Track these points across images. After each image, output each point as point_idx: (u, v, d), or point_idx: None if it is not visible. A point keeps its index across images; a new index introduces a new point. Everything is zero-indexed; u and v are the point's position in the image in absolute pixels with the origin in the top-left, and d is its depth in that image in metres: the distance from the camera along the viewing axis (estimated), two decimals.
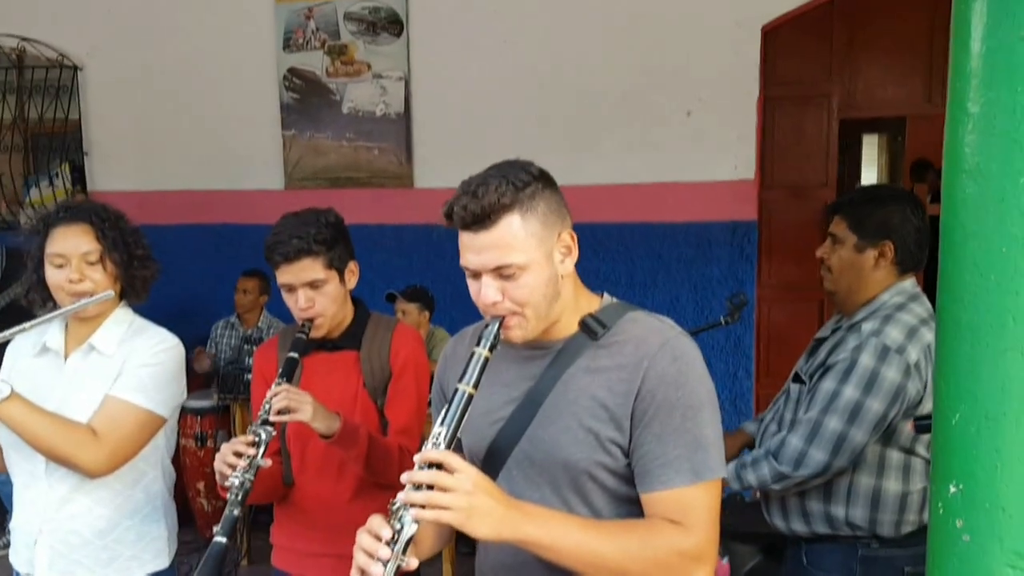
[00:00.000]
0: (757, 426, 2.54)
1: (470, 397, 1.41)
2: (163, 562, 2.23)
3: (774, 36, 4.77)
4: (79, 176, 5.67)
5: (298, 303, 2.16)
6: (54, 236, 2.10)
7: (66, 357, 2.16)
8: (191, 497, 4.69)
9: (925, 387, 2.13)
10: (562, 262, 1.51)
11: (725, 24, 4.55)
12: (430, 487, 1.32)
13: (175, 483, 2.33)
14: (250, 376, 2.63)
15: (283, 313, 4.52)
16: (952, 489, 1.20)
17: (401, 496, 1.35)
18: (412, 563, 1.35)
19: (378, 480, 2.17)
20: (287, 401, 1.99)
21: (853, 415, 2.10)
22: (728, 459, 2.36)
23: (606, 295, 1.63)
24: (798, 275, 5.09)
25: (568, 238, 1.52)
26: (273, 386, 2.05)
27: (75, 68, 5.53)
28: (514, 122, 4.82)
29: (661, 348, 1.48)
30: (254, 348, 4.28)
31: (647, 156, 4.71)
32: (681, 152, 4.67)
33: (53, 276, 2.09)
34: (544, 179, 1.50)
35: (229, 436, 4.57)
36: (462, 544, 4.16)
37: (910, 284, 2.27)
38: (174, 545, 2.28)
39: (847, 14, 5.18)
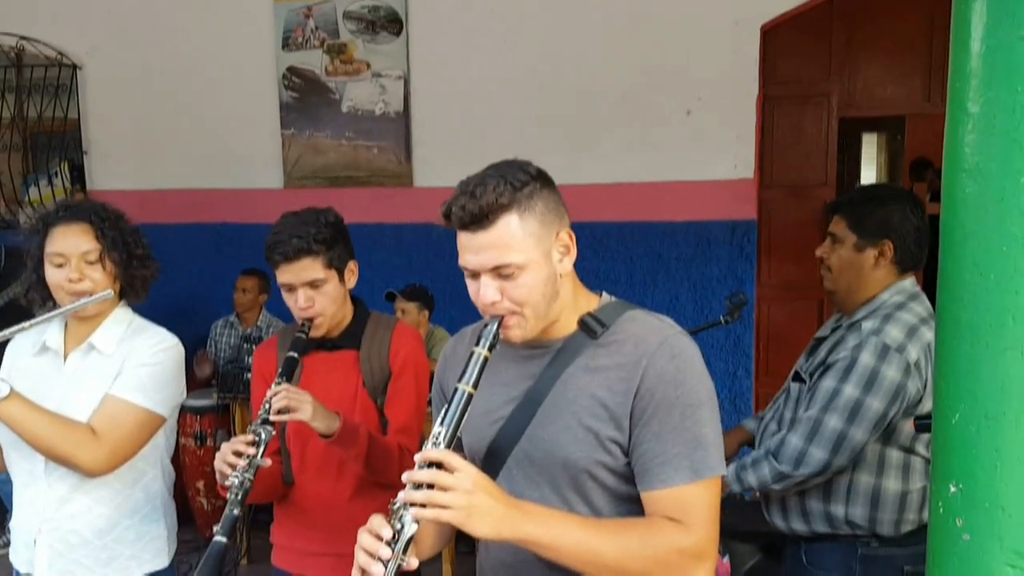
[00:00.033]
0: (757, 424, 2.54)
1: (470, 396, 1.41)
2: (163, 561, 2.23)
3: (773, 35, 4.77)
4: (78, 175, 5.67)
5: (298, 302, 2.16)
6: (54, 235, 2.10)
7: (65, 356, 2.16)
8: (191, 496, 4.69)
9: (925, 386, 2.13)
10: (560, 261, 1.51)
11: (724, 23, 4.55)
12: (430, 486, 1.32)
13: (175, 482, 2.33)
14: (250, 375, 2.63)
15: (282, 312, 4.52)
16: (952, 488, 1.20)
17: (401, 496, 1.35)
18: (413, 563, 1.36)
19: (378, 479, 2.17)
20: (287, 400, 1.99)
21: (853, 414, 2.11)
22: (728, 456, 2.37)
23: (605, 294, 1.63)
24: (797, 274, 5.10)
25: (566, 237, 1.52)
26: (273, 385, 2.05)
27: (74, 67, 5.53)
28: (513, 121, 4.82)
29: (660, 346, 1.48)
30: (253, 347, 4.27)
31: (646, 155, 4.72)
32: (680, 151, 4.67)
33: (52, 275, 2.09)
34: (542, 179, 1.50)
35: (229, 435, 4.57)
36: (462, 543, 4.16)
37: (910, 283, 2.27)
38: (173, 545, 2.28)
39: (846, 13, 5.19)
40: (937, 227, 1.34)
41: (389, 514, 1.36)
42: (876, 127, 8.88)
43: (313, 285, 2.15)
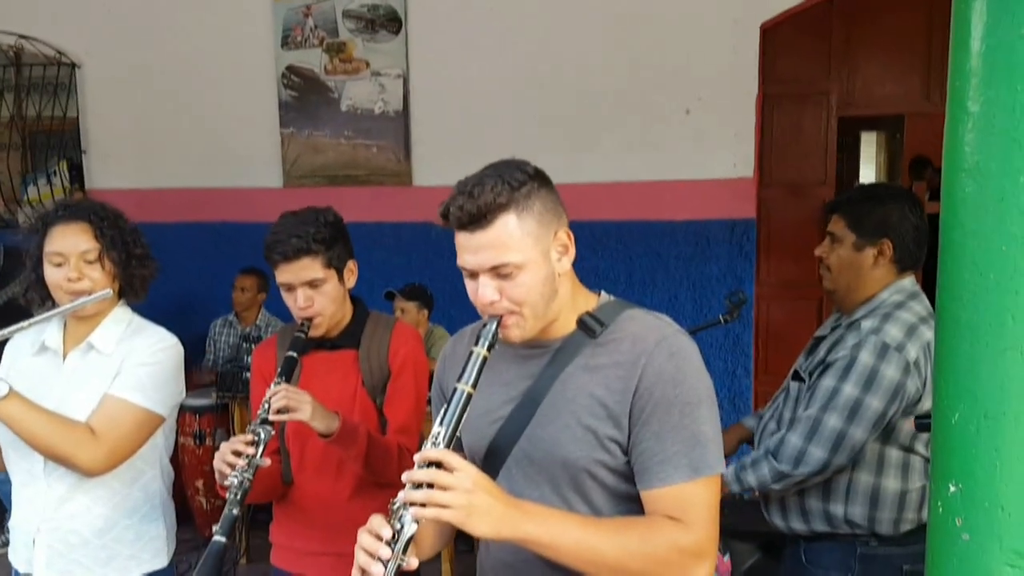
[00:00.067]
0: (756, 421, 2.54)
1: (469, 396, 1.41)
2: (162, 561, 2.23)
3: (773, 34, 4.78)
4: (77, 174, 5.67)
5: (297, 302, 2.15)
6: (53, 235, 2.09)
7: (65, 356, 2.15)
8: (190, 495, 4.69)
9: (924, 385, 2.13)
10: (559, 260, 1.51)
11: (724, 22, 4.56)
12: (430, 486, 1.32)
13: (174, 482, 2.33)
14: (248, 374, 2.63)
15: (281, 311, 4.52)
16: (951, 488, 1.20)
17: (401, 495, 1.35)
18: (413, 562, 1.36)
19: (377, 479, 2.17)
20: (286, 400, 1.99)
21: (852, 413, 2.11)
22: (727, 453, 2.37)
23: (604, 293, 1.63)
24: (797, 273, 5.10)
25: (564, 236, 1.52)
26: (272, 385, 2.05)
27: (73, 66, 5.53)
28: (513, 120, 4.82)
29: (658, 345, 1.48)
30: (252, 346, 4.27)
31: (646, 154, 4.72)
32: (680, 150, 4.67)
33: (51, 275, 2.08)
34: (540, 178, 1.50)
35: (228, 434, 4.57)
36: (461, 542, 4.16)
37: (909, 282, 2.27)
38: (172, 544, 2.28)
39: (845, 12, 5.18)
40: (936, 226, 1.34)
41: (389, 514, 1.37)
42: (875, 126, 8.88)
43: (312, 285, 2.14)
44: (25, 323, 2.00)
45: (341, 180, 5.23)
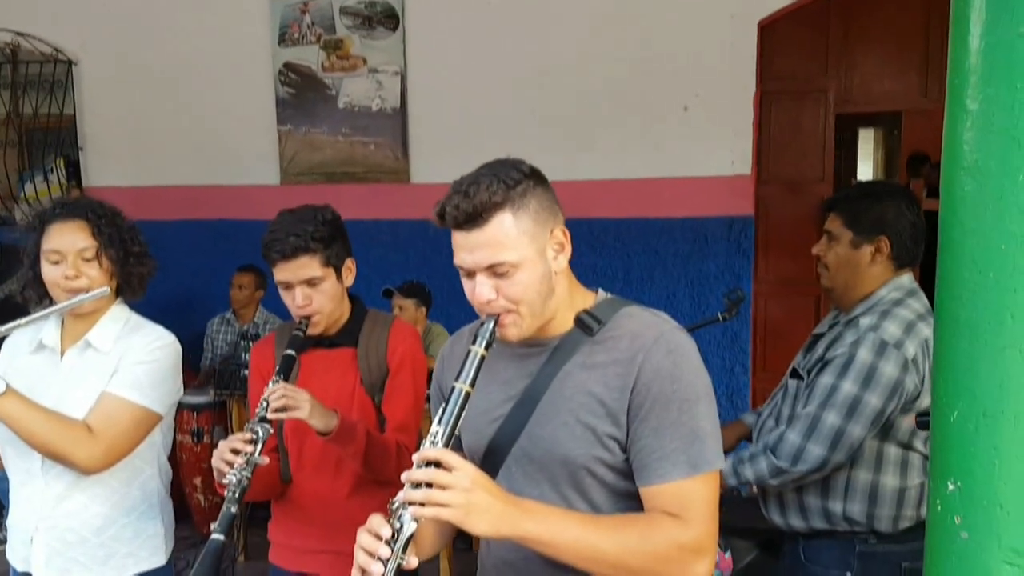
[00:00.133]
0: (755, 419, 2.54)
1: (467, 395, 1.41)
2: (160, 559, 2.22)
3: (771, 31, 4.78)
4: (74, 171, 5.66)
5: (295, 300, 2.15)
6: (50, 232, 2.09)
7: (62, 354, 2.15)
8: (188, 493, 4.69)
9: (923, 382, 2.13)
10: (555, 259, 1.52)
11: (721, 19, 4.55)
12: (429, 485, 1.32)
13: (172, 479, 2.32)
14: (246, 372, 2.63)
15: (279, 308, 4.51)
16: (950, 486, 1.20)
17: (400, 495, 1.35)
18: (412, 562, 1.36)
19: (376, 477, 2.17)
20: (285, 399, 1.99)
21: (851, 410, 2.11)
22: (726, 450, 2.36)
23: (601, 291, 1.63)
24: (795, 270, 5.10)
25: (561, 235, 1.52)
26: (270, 383, 2.05)
27: (70, 63, 5.51)
28: (510, 117, 4.81)
29: (656, 342, 1.48)
30: (250, 344, 4.28)
31: (643, 151, 4.72)
32: (677, 147, 4.67)
33: (49, 272, 2.08)
34: (535, 176, 1.50)
35: (226, 432, 4.57)
36: (459, 540, 4.16)
37: (907, 279, 2.27)
38: (171, 542, 2.27)
39: (843, 8, 5.19)
40: (935, 223, 1.34)
41: (388, 513, 1.37)
42: (873, 122, 8.89)
43: (310, 283, 2.14)
44: (23, 320, 1.99)
45: (339, 177, 5.22)
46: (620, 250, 4.84)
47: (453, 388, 1.42)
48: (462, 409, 1.41)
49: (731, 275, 4.72)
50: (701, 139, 4.64)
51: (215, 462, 1.96)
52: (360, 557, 1.34)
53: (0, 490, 3.41)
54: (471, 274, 1.48)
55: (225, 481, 1.94)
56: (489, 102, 4.89)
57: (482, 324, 1.48)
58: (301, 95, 5.24)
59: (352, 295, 2.33)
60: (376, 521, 1.36)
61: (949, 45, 1.22)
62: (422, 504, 1.32)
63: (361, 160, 5.19)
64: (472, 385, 1.42)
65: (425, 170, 5.07)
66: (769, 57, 4.88)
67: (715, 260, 4.74)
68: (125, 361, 2.10)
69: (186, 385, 2.31)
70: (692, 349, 1.51)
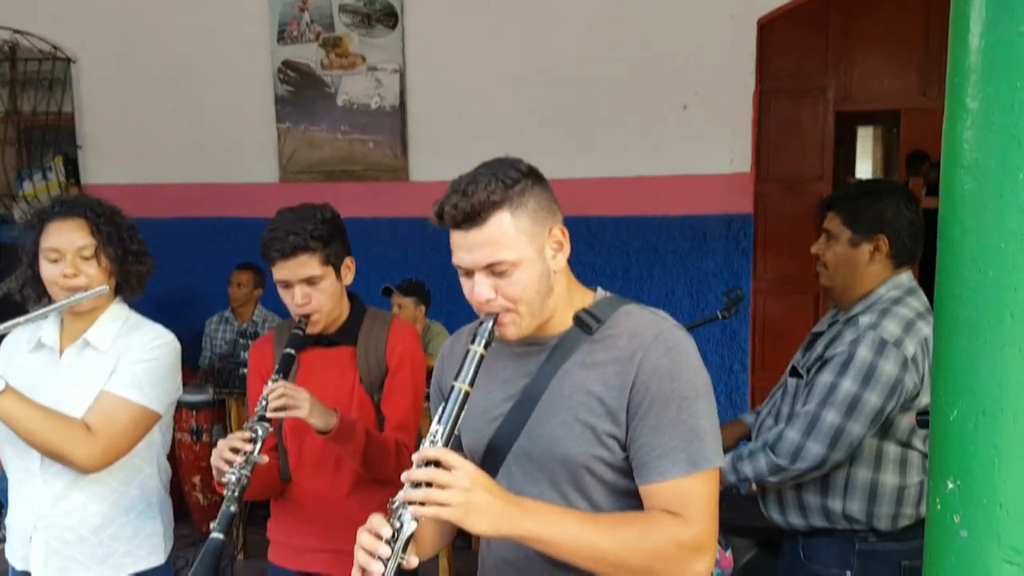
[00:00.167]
0: (754, 418, 2.54)
1: (466, 394, 1.42)
2: (159, 558, 2.22)
3: (770, 29, 4.77)
4: (72, 169, 5.65)
5: (294, 299, 2.15)
6: (49, 231, 2.09)
7: (61, 353, 2.15)
8: (187, 491, 4.69)
9: (922, 380, 2.13)
10: (554, 258, 1.52)
11: (721, 17, 4.55)
12: (428, 485, 1.32)
13: (171, 478, 2.32)
14: (245, 370, 2.62)
15: (277, 307, 4.52)
16: (950, 485, 1.20)
17: (400, 495, 1.35)
18: (413, 561, 1.36)
19: (375, 475, 2.16)
20: (284, 398, 1.99)
21: (851, 408, 2.11)
22: (725, 450, 2.36)
23: (600, 289, 1.63)
24: (794, 268, 5.10)
25: (559, 233, 1.52)
26: (270, 382, 2.04)
27: (68, 61, 5.51)
28: (509, 115, 4.81)
29: (655, 340, 1.48)
30: (249, 342, 4.27)
31: (643, 149, 4.72)
32: (677, 145, 4.67)
33: (48, 271, 2.08)
34: (533, 176, 1.50)
35: (225, 430, 4.57)
36: (458, 538, 4.15)
37: (907, 278, 2.27)
38: (170, 541, 2.27)
39: (843, 7, 5.19)
40: (934, 221, 1.34)
41: (388, 513, 1.37)
42: (871, 121, 8.88)
43: (310, 282, 2.14)
44: (21, 319, 1.99)
45: (338, 175, 5.22)
46: (619, 248, 4.84)
47: (452, 387, 1.42)
48: (461, 408, 1.41)
49: (730, 273, 4.72)
50: (700, 137, 4.64)
51: (214, 461, 1.96)
52: (360, 557, 1.34)
53: None
54: (470, 273, 1.48)
55: (224, 480, 1.94)
56: (488, 100, 4.88)
57: (481, 323, 1.48)
58: (300, 93, 5.23)
59: (351, 294, 2.32)
60: (376, 521, 1.36)
61: (949, 43, 1.22)
62: (422, 503, 1.32)
63: (360, 158, 5.19)
64: (471, 384, 1.42)
65: (424, 168, 5.07)
66: (768, 56, 4.88)
67: (714, 258, 4.74)
68: (124, 360, 2.10)
69: (185, 383, 2.31)
70: (691, 347, 1.51)
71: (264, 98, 5.27)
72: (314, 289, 2.15)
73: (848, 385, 2.11)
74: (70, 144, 5.63)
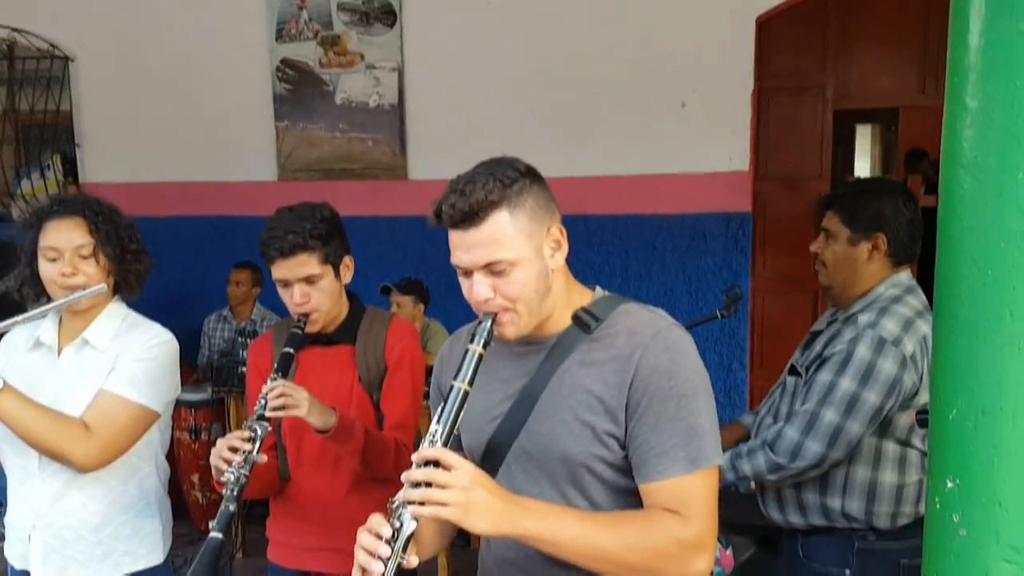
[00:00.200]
0: (753, 419, 2.54)
1: (465, 394, 1.42)
2: (157, 557, 2.22)
3: (768, 27, 4.77)
4: (71, 168, 5.64)
5: (293, 298, 2.15)
6: (47, 229, 2.09)
7: (60, 352, 2.15)
8: (185, 490, 4.69)
9: (921, 379, 2.13)
10: (552, 257, 1.52)
11: (720, 15, 4.55)
12: (428, 484, 1.32)
13: (169, 476, 2.32)
14: (244, 369, 2.62)
15: (276, 305, 4.51)
16: (949, 484, 1.20)
17: (400, 494, 1.36)
18: (413, 560, 1.37)
19: (374, 474, 2.16)
20: (283, 397, 1.99)
21: (850, 407, 2.11)
22: (724, 451, 2.36)
23: (598, 288, 1.63)
24: (792, 266, 5.10)
25: (557, 232, 1.53)
26: (268, 381, 2.04)
27: (66, 59, 5.50)
28: (508, 113, 4.81)
29: (653, 338, 1.48)
30: (248, 341, 4.27)
31: (641, 147, 4.71)
32: (675, 143, 4.67)
33: (46, 269, 2.08)
34: (531, 175, 1.51)
35: (224, 429, 4.57)
36: (457, 536, 4.15)
37: (905, 276, 2.27)
38: (168, 540, 2.27)
39: (841, 5, 5.19)
40: (933, 219, 1.34)
41: (388, 512, 1.37)
42: (870, 119, 8.88)
43: (309, 281, 2.14)
44: (20, 318, 1.99)
45: (336, 174, 5.22)
46: (618, 246, 4.84)
47: (452, 387, 1.42)
48: (461, 408, 1.41)
49: (729, 271, 4.72)
50: (699, 135, 4.63)
51: (213, 460, 1.96)
52: (361, 556, 1.35)
53: None
54: (468, 273, 1.49)
55: (223, 479, 1.94)
56: (487, 98, 4.88)
57: (480, 323, 1.48)
58: (298, 91, 5.23)
59: (350, 292, 2.32)
60: (376, 520, 1.36)
61: (949, 42, 1.22)
62: (421, 503, 1.32)
63: (359, 156, 5.19)
64: (470, 384, 1.42)
65: (423, 166, 5.07)
66: (767, 54, 4.88)
67: (713, 256, 4.74)
68: (122, 359, 2.10)
69: (183, 382, 2.30)
70: (690, 345, 1.51)
71: (262, 96, 5.26)
72: (313, 288, 2.15)
73: (847, 384, 2.12)
74: (68, 142, 5.62)
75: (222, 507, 1.91)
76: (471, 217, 1.44)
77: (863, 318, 2.18)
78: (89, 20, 5.42)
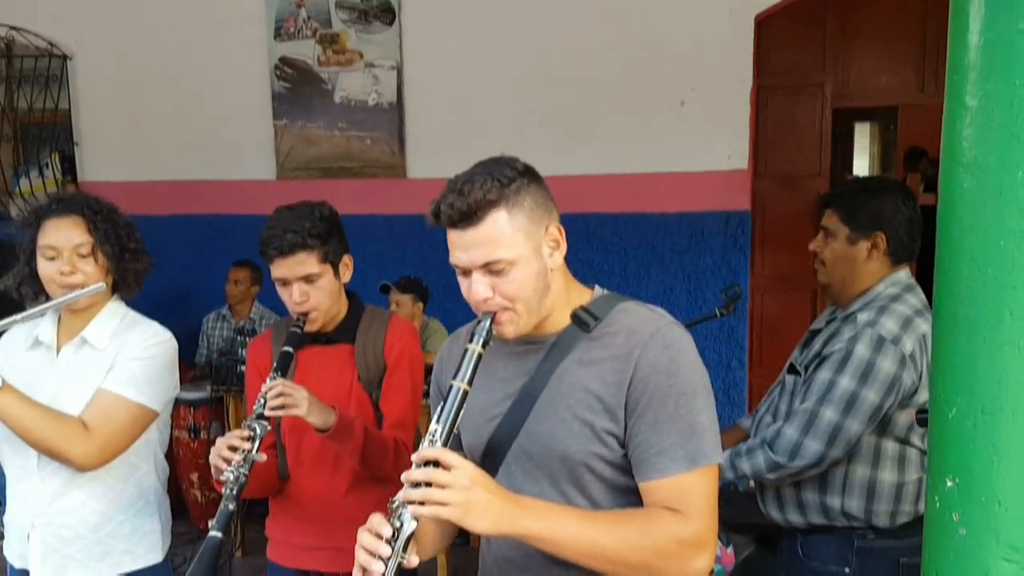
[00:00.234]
0: (751, 421, 2.54)
1: (465, 393, 1.42)
2: (156, 556, 2.22)
3: (767, 25, 4.77)
4: (69, 166, 5.64)
5: (293, 297, 2.15)
6: (46, 228, 2.09)
7: (58, 350, 2.15)
8: (185, 489, 4.68)
9: (920, 377, 2.13)
10: (551, 256, 1.52)
11: (719, 14, 4.55)
12: (428, 484, 1.32)
13: (168, 475, 2.32)
14: (243, 368, 2.62)
15: (275, 304, 4.51)
16: (949, 483, 1.20)
17: (400, 494, 1.36)
18: (413, 560, 1.37)
19: (373, 473, 2.16)
20: (282, 396, 1.98)
21: (849, 405, 2.11)
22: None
23: (597, 287, 1.64)
24: (791, 265, 5.10)
25: (556, 231, 1.53)
26: (268, 380, 2.04)
27: (65, 57, 5.49)
28: (507, 112, 4.81)
29: (652, 337, 1.48)
30: (247, 339, 4.27)
31: (640, 146, 4.71)
32: (674, 142, 4.67)
33: (45, 268, 2.08)
34: (529, 174, 1.51)
35: (223, 427, 4.57)
36: (456, 535, 4.16)
37: (904, 275, 2.27)
38: (167, 539, 2.27)
39: (840, 3, 5.19)
40: (932, 218, 1.34)
41: (388, 512, 1.37)
42: (869, 117, 8.88)
43: (308, 280, 2.14)
44: (18, 316, 1.99)
45: (335, 172, 5.21)
46: (617, 245, 4.84)
47: (451, 387, 1.42)
48: (460, 407, 1.41)
49: (728, 270, 4.72)
50: (698, 134, 4.63)
51: (212, 459, 1.96)
52: (361, 556, 1.35)
53: None
54: (467, 272, 1.49)
55: (223, 478, 1.94)
56: (485, 97, 4.88)
57: (479, 322, 1.48)
58: (297, 90, 5.22)
59: (349, 291, 2.32)
60: (376, 520, 1.36)
61: (948, 41, 1.22)
62: (421, 503, 1.32)
63: (357, 155, 5.19)
64: (470, 383, 1.42)
65: (421, 165, 5.06)
66: (766, 52, 4.88)
67: (712, 255, 4.74)
68: (121, 358, 2.10)
69: (182, 381, 2.30)
70: (689, 344, 1.51)
71: (261, 95, 5.26)
72: (312, 287, 2.14)
73: (846, 382, 2.12)
74: (67, 141, 5.62)
75: (221, 506, 1.91)
76: (469, 217, 1.44)
77: (862, 317, 2.18)
78: (88, 18, 5.42)
